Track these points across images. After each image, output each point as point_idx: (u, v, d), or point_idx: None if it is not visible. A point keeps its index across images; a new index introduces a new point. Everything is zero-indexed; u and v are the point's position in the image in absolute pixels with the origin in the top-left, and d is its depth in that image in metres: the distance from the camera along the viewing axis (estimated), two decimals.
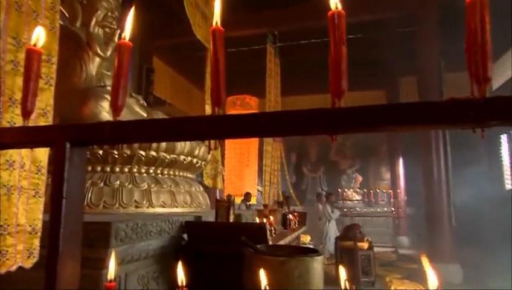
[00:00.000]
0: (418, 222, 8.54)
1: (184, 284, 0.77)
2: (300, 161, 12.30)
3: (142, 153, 3.02)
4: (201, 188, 4.11)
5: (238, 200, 7.75)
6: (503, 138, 8.29)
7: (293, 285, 1.68)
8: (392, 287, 4.35)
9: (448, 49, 8.43)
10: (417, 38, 6.58)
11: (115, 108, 0.51)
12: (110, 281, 0.75)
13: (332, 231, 7.36)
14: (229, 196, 3.08)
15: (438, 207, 5.96)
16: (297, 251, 2.03)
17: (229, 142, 7.92)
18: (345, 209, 9.73)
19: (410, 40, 6.84)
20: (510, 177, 8.12)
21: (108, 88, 3.15)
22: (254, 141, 7.85)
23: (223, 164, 7.46)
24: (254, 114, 0.45)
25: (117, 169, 2.99)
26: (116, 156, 2.91)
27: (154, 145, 3.16)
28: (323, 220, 7.35)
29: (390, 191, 10.11)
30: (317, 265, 1.72)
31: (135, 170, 3.08)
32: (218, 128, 0.48)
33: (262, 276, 0.71)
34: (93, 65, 3.45)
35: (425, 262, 0.64)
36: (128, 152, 3.00)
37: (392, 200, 9.82)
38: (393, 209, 9.71)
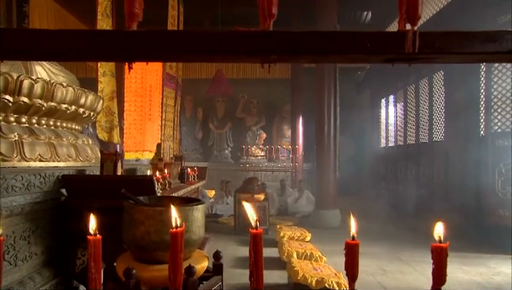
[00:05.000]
0: (312, 176, 9.49)
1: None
2: (207, 117, 12.24)
3: (9, 98, 2.59)
4: (90, 141, 3.78)
5: (140, 155, 7.42)
6: (383, 102, 9.50)
7: None
8: (281, 233, 4.81)
9: (346, 17, 9.02)
10: (319, 3, 6.87)
11: None
12: None
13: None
14: (116, 147, 2.89)
15: (326, 161, 6.67)
16: (183, 202, 2.05)
17: (129, 94, 7.37)
18: (248, 165, 10.19)
19: (313, 4, 7.11)
20: (384, 136, 9.45)
21: None
22: (157, 95, 7.46)
23: (122, 117, 6.96)
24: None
25: None
26: None
27: (26, 90, 2.74)
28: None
29: (290, 147, 10.89)
30: (197, 214, 1.76)
31: (0, 118, 2.65)
32: None
33: (92, 220, 0.68)
34: None
35: (246, 204, 0.71)
36: None
37: (291, 156, 10.60)
38: (291, 164, 10.55)
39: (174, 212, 0.66)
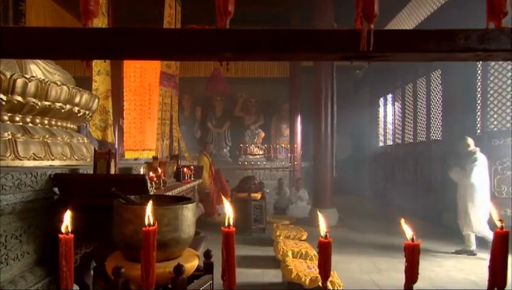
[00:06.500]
0: (310, 175, 9.50)
1: None
2: (206, 116, 12.24)
3: (2, 96, 2.59)
4: (86, 140, 3.78)
5: (139, 155, 7.40)
6: (381, 101, 9.48)
7: (161, 232, 1.69)
8: (278, 232, 4.81)
9: (345, 16, 8.99)
10: (315, 2, 6.86)
11: None
12: None
13: None
14: (114, 147, 2.89)
15: (323, 160, 6.66)
16: (175, 200, 2.04)
17: (128, 93, 7.36)
18: (246, 164, 10.20)
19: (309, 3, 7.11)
20: (382, 135, 9.44)
21: None
22: (156, 94, 7.46)
23: (122, 116, 6.95)
24: None
25: None
26: None
27: (19, 89, 2.74)
28: None
29: (289, 146, 10.88)
30: (187, 212, 1.76)
31: None
32: None
33: (66, 218, 0.68)
34: None
35: (226, 202, 0.71)
36: None
37: (289, 155, 10.60)
38: (290, 163, 10.55)
39: (148, 211, 0.66)
